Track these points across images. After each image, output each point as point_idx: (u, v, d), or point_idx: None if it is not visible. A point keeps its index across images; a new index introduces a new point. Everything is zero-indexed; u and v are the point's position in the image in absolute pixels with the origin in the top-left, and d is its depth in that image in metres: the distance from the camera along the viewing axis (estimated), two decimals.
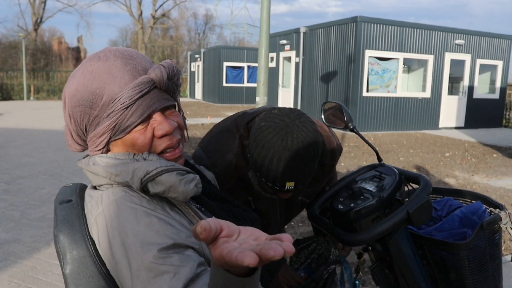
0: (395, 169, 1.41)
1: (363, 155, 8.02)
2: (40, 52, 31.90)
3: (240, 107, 19.72)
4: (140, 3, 37.21)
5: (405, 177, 1.40)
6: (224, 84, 21.39)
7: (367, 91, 11.78)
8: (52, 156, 7.12)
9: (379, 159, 1.51)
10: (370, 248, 1.47)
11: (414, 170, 6.70)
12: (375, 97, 11.89)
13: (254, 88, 21.89)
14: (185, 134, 1.01)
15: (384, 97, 12.03)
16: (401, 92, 12.32)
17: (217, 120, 13.82)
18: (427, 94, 12.67)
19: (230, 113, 16.66)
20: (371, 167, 1.51)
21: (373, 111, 11.88)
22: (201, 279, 0.76)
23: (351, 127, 1.51)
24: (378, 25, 11.56)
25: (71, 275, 0.85)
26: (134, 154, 0.90)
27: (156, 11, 38.01)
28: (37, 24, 34.10)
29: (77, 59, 38.51)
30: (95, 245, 0.87)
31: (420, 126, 12.66)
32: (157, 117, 0.90)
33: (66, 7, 47.54)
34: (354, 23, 11.39)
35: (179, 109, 1.00)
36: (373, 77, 11.89)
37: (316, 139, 1.15)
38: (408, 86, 13.03)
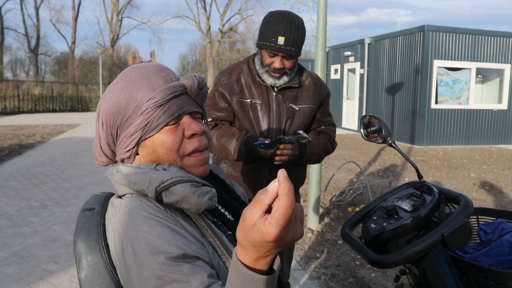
0: (434, 188, 1.32)
1: (430, 170, 7.62)
2: (116, 66, 34.14)
3: None
4: (208, 19, 38.59)
5: (445, 196, 1.31)
6: None
7: (436, 103, 11.21)
8: None
9: (419, 176, 1.42)
10: (407, 270, 1.38)
11: (486, 188, 6.23)
12: (445, 109, 11.27)
13: None
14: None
15: (454, 109, 11.36)
16: (474, 104, 11.57)
17: None
18: (504, 105, 11.78)
19: None
20: (410, 184, 1.42)
21: (442, 124, 11.26)
22: None
23: (390, 142, 1.45)
24: (448, 34, 10.99)
25: (85, 280, 0.88)
26: (157, 164, 0.93)
27: (223, 25, 39.20)
28: (114, 40, 36.60)
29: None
30: (109, 252, 0.89)
31: (496, 140, 11.77)
32: (186, 119, 0.94)
33: (140, 24, 50.72)
34: (422, 33, 10.94)
35: (206, 121, 1.02)
36: (442, 88, 11.29)
37: (302, 20, 1.77)
38: (482, 98, 12.22)
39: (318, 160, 1.92)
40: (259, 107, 1.82)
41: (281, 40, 1.65)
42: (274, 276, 0.65)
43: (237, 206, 1.04)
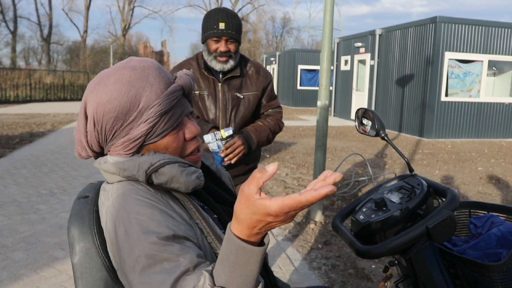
0: (423, 181, 1.34)
1: (437, 163, 7.59)
2: (127, 55, 34.33)
3: (314, 111, 19.57)
4: None
5: (433, 189, 1.33)
6: (299, 87, 21.33)
7: (446, 95, 11.11)
8: None
9: (410, 169, 1.44)
10: (396, 262, 1.41)
11: (492, 182, 6.20)
12: (455, 102, 11.16)
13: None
14: None
15: (465, 102, 11.25)
16: (485, 97, 11.43)
17: (291, 123, 13.83)
18: None
19: (304, 116, 16.60)
20: (401, 177, 1.45)
21: (452, 116, 11.16)
22: (199, 269, 0.79)
23: (382, 135, 1.47)
24: (460, 25, 10.84)
25: (78, 264, 0.93)
26: (142, 154, 0.96)
27: None
28: (125, 29, 36.73)
29: (160, 62, 40.73)
30: (101, 238, 0.94)
31: (506, 133, 11.65)
32: (185, 121, 0.98)
33: (152, 13, 50.81)
34: (433, 24, 10.80)
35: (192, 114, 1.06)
36: (453, 80, 11.17)
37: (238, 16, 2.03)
38: (494, 91, 12.06)
39: (268, 142, 2.16)
40: (206, 97, 2.07)
41: (222, 25, 1.93)
42: (265, 248, 0.72)
43: (220, 193, 1.08)
